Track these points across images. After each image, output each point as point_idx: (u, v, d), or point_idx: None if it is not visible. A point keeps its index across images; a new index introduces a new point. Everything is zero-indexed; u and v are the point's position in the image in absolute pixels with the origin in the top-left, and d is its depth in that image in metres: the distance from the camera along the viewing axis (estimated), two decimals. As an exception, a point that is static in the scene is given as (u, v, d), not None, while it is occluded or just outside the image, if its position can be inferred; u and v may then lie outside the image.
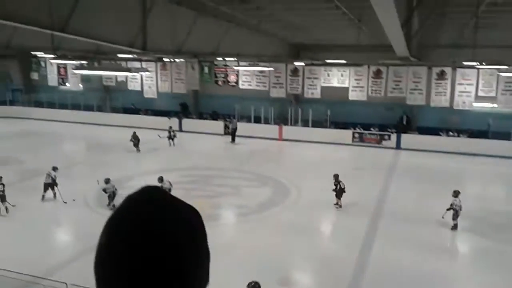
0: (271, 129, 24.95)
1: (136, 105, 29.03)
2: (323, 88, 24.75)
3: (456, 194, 11.84)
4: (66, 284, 5.28)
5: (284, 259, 10.44)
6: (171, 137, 23.20)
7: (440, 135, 22.89)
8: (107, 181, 13.51)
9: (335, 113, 24.91)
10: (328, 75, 24.49)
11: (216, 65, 26.92)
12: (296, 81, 25.54)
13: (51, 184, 14.03)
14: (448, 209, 11.84)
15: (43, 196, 14.06)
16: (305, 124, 24.88)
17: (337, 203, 13.54)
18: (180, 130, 26.57)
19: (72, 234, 11.98)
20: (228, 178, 17.13)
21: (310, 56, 23.24)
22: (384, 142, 23.28)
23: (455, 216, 11.80)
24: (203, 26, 11.78)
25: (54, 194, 14.11)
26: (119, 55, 18.99)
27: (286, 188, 15.87)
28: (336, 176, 13.56)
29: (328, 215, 13.93)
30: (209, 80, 27.50)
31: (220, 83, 27.40)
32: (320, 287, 9.50)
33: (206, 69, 27.32)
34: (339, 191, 13.40)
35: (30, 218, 12.57)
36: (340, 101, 24.40)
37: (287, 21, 14.79)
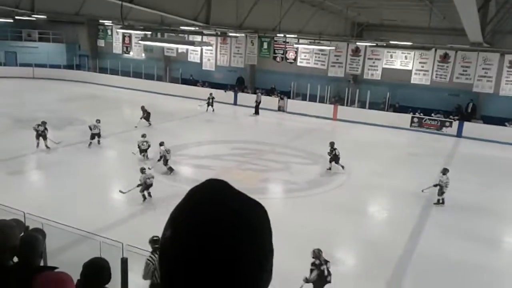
0: (326, 108, 24.68)
1: (194, 77, 29.62)
2: (384, 69, 24.05)
3: (444, 171, 12.46)
4: (122, 244, 5.64)
5: (330, 238, 10.51)
6: (210, 104, 24.09)
7: (506, 125, 21.64)
8: (161, 143, 14.26)
9: (394, 96, 24.21)
10: (391, 56, 23.71)
11: (275, 41, 26.82)
12: (356, 61, 24.94)
13: (98, 134, 15.89)
14: (435, 185, 12.49)
15: (90, 143, 15.86)
16: (362, 105, 24.38)
17: (329, 168, 15.01)
18: (235, 103, 26.93)
19: (127, 194, 12.63)
20: (279, 153, 17.27)
21: (374, 36, 22.53)
22: (444, 129, 22.36)
23: (440, 192, 12.40)
24: (266, 2, 11.75)
25: (98, 141, 16.06)
26: (182, 28, 19.36)
27: (337, 168, 15.78)
28: (331, 144, 15.02)
29: (378, 198, 13.78)
30: (267, 56, 27.50)
31: (278, 59, 27.32)
32: (365, 268, 9.50)
33: (265, 45, 27.31)
34: (333, 157, 14.91)
35: (87, 175, 13.40)
36: (401, 84, 23.63)
37: (353, 0, 14.41)
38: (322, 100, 25.16)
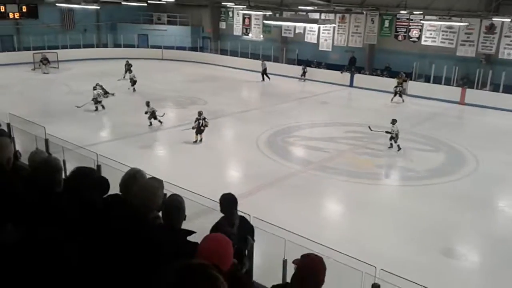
0: (453, 91, 22.72)
1: (310, 58, 29.34)
2: (524, 48, 21.32)
3: (393, 122, 14.59)
4: (250, 216, 5.90)
5: (451, 231, 9.78)
6: (304, 73, 27.08)
7: None
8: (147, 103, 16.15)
9: (535, 79, 21.38)
10: (533, 33, 20.91)
11: (398, 18, 25.29)
12: (490, 39, 22.43)
13: (153, 114, 16.33)
14: (386, 132, 14.69)
15: (151, 123, 16.41)
16: (495, 88, 21.96)
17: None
18: (351, 85, 26.18)
19: (244, 172, 13.13)
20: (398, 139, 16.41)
21: (514, 11, 19.99)
22: None
23: (391, 138, 14.58)
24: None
25: (160, 121, 16.52)
26: (300, 7, 19.25)
27: (463, 157, 14.53)
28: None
29: (511, 192, 12.41)
30: (389, 35, 26.07)
31: (400, 38, 25.75)
32: (490, 267, 8.67)
33: (386, 23, 25.88)
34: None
35: (208, 152, 14.18)
36: (545, 64, 20.75)
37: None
38: (448, 83, 23.21)
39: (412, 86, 24.15)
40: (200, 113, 14.81)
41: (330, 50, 28.13)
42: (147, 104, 16.32)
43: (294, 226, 6.75)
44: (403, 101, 22.39)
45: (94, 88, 18.69)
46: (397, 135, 14.48)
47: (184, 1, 27.16)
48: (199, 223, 3.02)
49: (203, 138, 14.89)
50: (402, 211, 10.48)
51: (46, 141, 9.61)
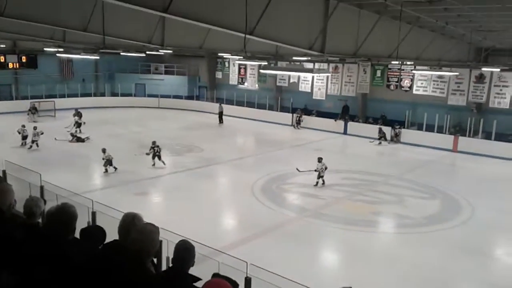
0: (445, 139, 23.05)
1: (304, 106, 29.86)
2: (513, 97, 21.88)
3: (319, 160, 15.74)
4: (247, 263, 5.80)
5: (450, 281, 9.61)
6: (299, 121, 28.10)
7: None
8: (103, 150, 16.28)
9: (526, 127, 21.79)
10: (522, 82, 21.54)
11: (390, 68, 26.09)
12: (480, 89, 23.10)
13: (109, 162, 16.43)
14: (315, 170, 15.64)
15: (106, 170, 16.39)
16: (487, 136, 22.31)
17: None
18: (345, 133, 26.53)
19: (239, 219, 12.99)
20: (391, 185, 16.47)
21: (502, 62, 20.68)
22: None
23: (319, 176, 15.68)
24: (383, 28, 11.51)
25: (115, 167, 16.52)
26: (294, 58, 19.84)
27: (458, 204, 14.52)
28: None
29: (508, 239, 12.31)
30: (381, 84, 26.80)
31: (392, 87, 26.47)
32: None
33: (378, 73, 26.69)
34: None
35: (204, 199, 14.08)
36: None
37: (478, 23, 13.45)
38: (440, 130, 23.59)
39: (405, 134, 24.52)
40: (153, 142, 17.38)
41: (324, 98, 28.73)
42: (103, 151, 16.40)
43: (290, 275, 6.62)
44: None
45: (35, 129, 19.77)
46: (322, 170, 15.71)
47: (181, 52, 27.96)
48: (195, 270, 2.99)
49: (164, 161, 17.39)
50: (400, 259, 10.33)
51: (42, 188, 9.56)
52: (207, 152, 20.43)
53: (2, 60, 29.89)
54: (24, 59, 30.71)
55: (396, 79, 26.20)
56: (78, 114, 23.88)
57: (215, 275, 3.71)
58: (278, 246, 10.71)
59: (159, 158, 17.32)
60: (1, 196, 3.09)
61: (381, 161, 21.07)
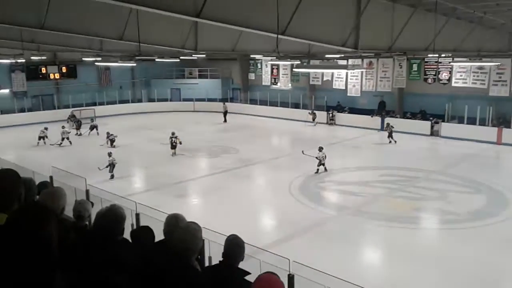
0: (488, 132, 22.23)
1: (341, 104, 29.55)
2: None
3: (320, 149, 16.86)
4: (289, 260, 5.82)
5: (500, 277, 9.26)
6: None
7: None
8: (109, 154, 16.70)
9: None
10: None
11: (426, 62, 25.40)
12: (523, 78, 22.12)
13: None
14: (316, 157, 16.74)
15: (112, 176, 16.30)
16: (534, 127, 21.35)
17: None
18: (382, 129, 26.04)
19: (278, 218, 12.99)
20: (433, 181, 16.01)
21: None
22: None
23: (319, 163, 16.70)
24: (418, 21, 11.21)
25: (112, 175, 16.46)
26: (327, 55, 19.64)
27: (505, 198, 13.96)
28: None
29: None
30: (418, 78, 26.12)
31: (429, 80, 25.75)
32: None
33: (414, 67, 26.03)
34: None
35: (241, 199, 14.18)
36: None
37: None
38: (482, 123, 22.75)
39: (445, 128, 23.81)
40: (172, 133, 19.72)
41: (359, 95, 28.31)
42: (109, 154, 16.63)
43: (332, 273, 6.57)
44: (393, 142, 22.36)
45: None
46: (323, 158, 16.83)
47: (214, 55, 28.29)
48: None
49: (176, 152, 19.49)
50: (446, 256, 10.04)
51: (87, 191, 9.89)
52: (243, 153, 20.54)
53: (44, 71, 31.35)
54: (64, 69, 32.12)
55: (433, 72, 25.47)
56: (74, 118, 26.14)
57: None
58: (319, 244, 10.65)
59: (174, 148, 19.60)
60: (55, 200, 3.25)
61: (421, 156, 20.51)
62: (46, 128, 22.89)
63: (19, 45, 17.49)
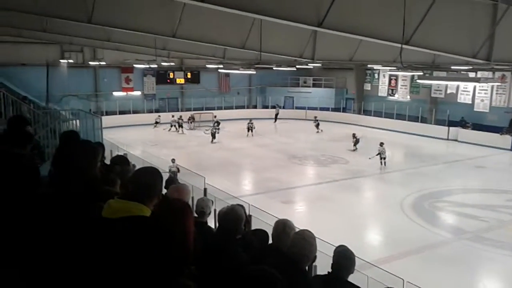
0: None
1: (465, 119, 27.26)
2: None
3: (381, 144, 19.27)
4: (403, 280, 5.58)
5: None
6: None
7: None
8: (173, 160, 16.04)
9: None
10: None
11: None
12: None
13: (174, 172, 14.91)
14: (377, 154, 19.14)
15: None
16: None
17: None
18: (512, 149, 23.55)
19: (386, 235, 12.45)
20: None
21: None
22: None
23: (381, 157, 19.16)
24: None
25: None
26: (453, 67, 18.33)
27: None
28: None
29: None
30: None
31: None
32: None
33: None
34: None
35: (347, 212, 13.84)
36: None
37: None
38: None
39: None
40: (217, 122, 24.98)
41: (487, 111, 25.91)
42: (173, 161, 16.03)
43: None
44: None
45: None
46: (383, 153, 19.10)
47: (330, 65, 28.16)
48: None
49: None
50: None
51: (205, 190, 10.55)
52: (352, 164, 20.11)
53: (172, 76, 34.30)
54: (189, 75, 34.80)
55: None
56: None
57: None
58: (432, 267, 9.98)
59: (213, 136, 23.72)
60: (182, 195, 3.56)
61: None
62: (159, 116, 30.10)
63: (153, 52, 19.38)
